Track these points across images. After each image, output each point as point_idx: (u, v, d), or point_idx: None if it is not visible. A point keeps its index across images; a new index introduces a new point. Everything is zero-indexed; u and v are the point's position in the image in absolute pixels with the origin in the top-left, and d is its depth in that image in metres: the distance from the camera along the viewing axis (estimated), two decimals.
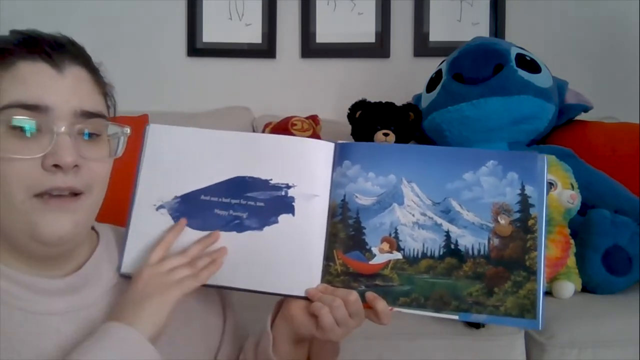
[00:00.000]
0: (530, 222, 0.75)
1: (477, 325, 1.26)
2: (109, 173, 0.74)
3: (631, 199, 1.54)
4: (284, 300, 0.80)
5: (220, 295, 0.87)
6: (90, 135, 0.69)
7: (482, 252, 0.75)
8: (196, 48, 2.15)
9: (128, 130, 0.74)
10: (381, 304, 0.74)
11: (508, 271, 0.74)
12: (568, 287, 1.40)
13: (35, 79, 0.66)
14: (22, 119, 0.65)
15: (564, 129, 1.75)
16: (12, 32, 0.70)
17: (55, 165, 0.65)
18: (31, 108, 0.65)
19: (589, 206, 1.49)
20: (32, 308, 0.69)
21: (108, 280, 0.76)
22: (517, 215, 0.76)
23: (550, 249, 1.40)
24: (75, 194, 0.68)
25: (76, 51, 0.71)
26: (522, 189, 0.76)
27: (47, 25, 0.72)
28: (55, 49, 0.68)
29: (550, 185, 1.39)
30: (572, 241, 1.44)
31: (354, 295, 0.74)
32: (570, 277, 1.41)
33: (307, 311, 0.76)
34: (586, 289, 1.43)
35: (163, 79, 2.16)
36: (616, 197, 1.54)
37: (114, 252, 0.79)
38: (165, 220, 0.79)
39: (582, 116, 1.78)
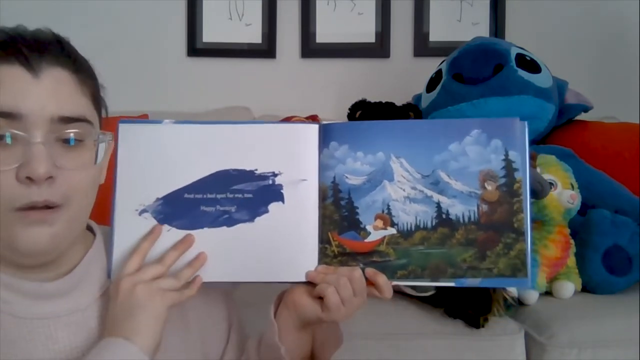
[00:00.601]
0: (516, 185, 0.77)
1: (477, 325, 1.26)
2: (93, 180, 0.71)
3: (631, 199, 1.54)
4: (284, 290, 0.81)
5: (226, 302, 0.87)
6: (73, 141, 0.66)
7: (472, 219, 0.77)
8: (196, 48, 2.15)
9: (110, 136, 0.71)
10: (382, 278, 0.76)
11: (498, 234, 0.77)
12: (568, 287, 1.40)
13: (10, 84, 0.63)
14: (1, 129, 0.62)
15: (564, 129, 1.75)
16: None
17: (29, 178, 0.62)
18: (5, 116, 0.62)
19: (589, 206, 1.48)
20: (21, 313, 0.68)
21: (101, 284, 0.75)
22: (503, 180, 0.78)
23: (550, 249, 1.40)
24: (51, 206, 0.65)
25: (58, 51, 0.67)
26: (506, 154, 0.78)
27: (47, 25, 0.70)
28: (33, 51, 0.65)
29: (550, 185, 1.39)
30: (572, 241, 1.44)
31: (358, 272, 0.75)
32: (570, 277, 1.41)
33: (310, 295, 0.77)
34: (586, 289, 1.43)
35: (163, 79, 2.16)
36: (616, 197, 1.54)
37: (104, 255, 0.77)
38: (149, 224, 0.76)
39: (582, 116, 1.78)
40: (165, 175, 0.78)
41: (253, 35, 2.15)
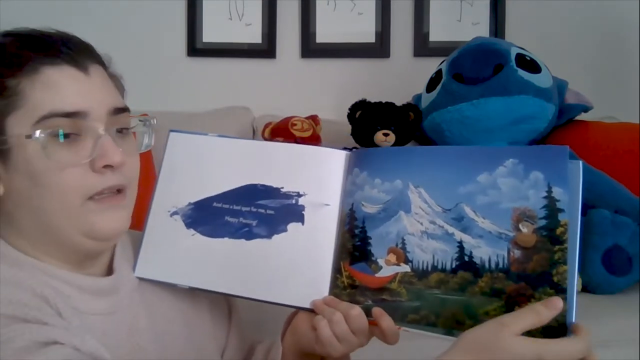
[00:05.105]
0: (559, 230, 0.63)
1: None
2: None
3: (631, 199, 1.54)
4: (296, 312, 0.78)
5: (228, 303, 0.87)
6: (121, 130, 0.71)
7: (500, 266, 0.65)
8: (196, 48, 2.15)
9: (154, 120, 0.76)
10: (386, 321, 0.69)
11: (531, 288, 0.63)
12: None
13: (67, 84, 0.66)
14: (64, 128, 0.65)
15: (564, 129, 1.75)
16: (10, 34, 0.67)
17: (105, 166, 0.66)
18: (71, 115, 0.65)
19: (589, 206, 1.48)
20: (82, 308, 0.68)
21: (132, 283, 0.76)
22: (543, 222, 0.64)
23: None
24: (120, 189, 0.69)
25: (88, 49, 0.71)
26: (549, 191, 0.64)
27: (47, 25, 0.71)
28: (73, 50, 0.67)
29: None
30: None
31: (356, 310, 0.69)
32: None
33: (311, 324, 0.73)
34: (586, 289, 1.42)
35: (163, 79, 2.16)
36: (616, 197, 1.54)
37: (130, 253, 0.79)
38: (177, 225, 0.79)
39: (582, 116, 1.78)
40: (200, 182, 0.81)
41: (253, 35, 2.15)
